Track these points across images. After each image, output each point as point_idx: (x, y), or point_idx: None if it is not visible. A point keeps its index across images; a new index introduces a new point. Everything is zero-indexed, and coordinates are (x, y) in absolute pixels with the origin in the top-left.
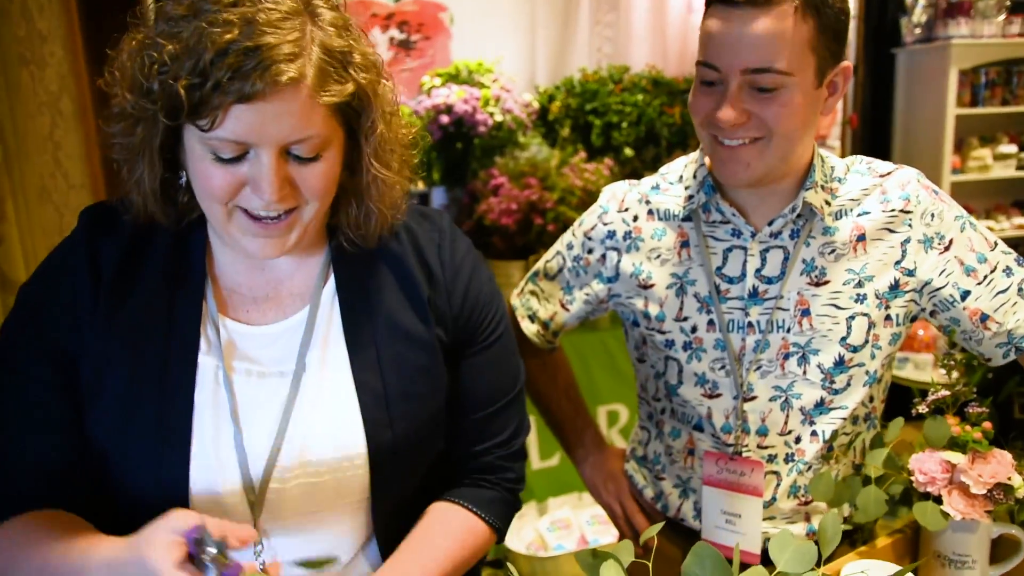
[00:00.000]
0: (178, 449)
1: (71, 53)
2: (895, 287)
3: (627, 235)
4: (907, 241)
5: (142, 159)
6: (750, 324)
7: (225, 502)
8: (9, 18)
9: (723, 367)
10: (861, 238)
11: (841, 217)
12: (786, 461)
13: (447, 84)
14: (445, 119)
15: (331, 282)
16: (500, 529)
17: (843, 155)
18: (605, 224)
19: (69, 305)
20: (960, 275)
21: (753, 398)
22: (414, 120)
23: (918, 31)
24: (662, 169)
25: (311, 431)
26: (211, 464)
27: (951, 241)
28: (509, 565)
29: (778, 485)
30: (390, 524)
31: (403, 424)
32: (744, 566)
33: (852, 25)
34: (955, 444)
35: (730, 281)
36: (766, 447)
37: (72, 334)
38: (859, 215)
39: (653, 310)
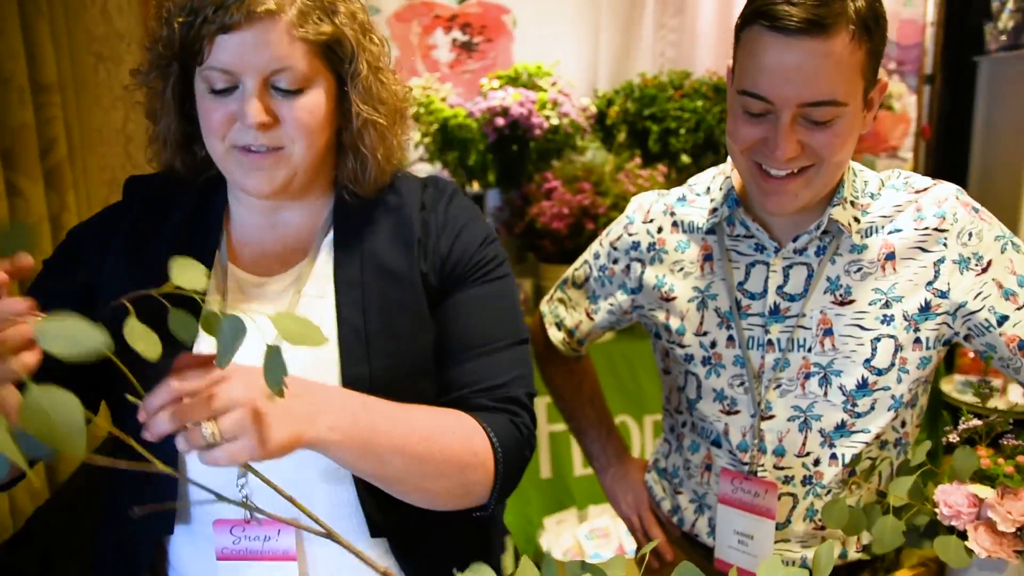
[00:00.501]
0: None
1: (147, 51)
2: (926, 309)
3: (651, 246)
4: (941, 261)
5: (162, 107)
6: (770, 342)
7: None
8: (86, 17)
9: (742, 384)
10: (890, 256)
11: (871, 235)
12: (803, 484)
13: (505, 87)
14: (500, 121)
15: (331, 233)
16: (499, 451)
17: (915, 168)
18: (630, 235)
19: (105, 240)
20: (998, 298)
21: (771, 417)
22: (469, 122)
23: (1004, 38)
24: (691, 180)
25: (292, 366)
26: None
27: (989, 262)
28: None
29: (794, 507)
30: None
31: (382, 360)
32: None
33: (930, 32)
34: (985, 477)
35: (751, 297)
36: (783, 468)
37: (97, 271)
38: (890, 232)
39: (674, 323)
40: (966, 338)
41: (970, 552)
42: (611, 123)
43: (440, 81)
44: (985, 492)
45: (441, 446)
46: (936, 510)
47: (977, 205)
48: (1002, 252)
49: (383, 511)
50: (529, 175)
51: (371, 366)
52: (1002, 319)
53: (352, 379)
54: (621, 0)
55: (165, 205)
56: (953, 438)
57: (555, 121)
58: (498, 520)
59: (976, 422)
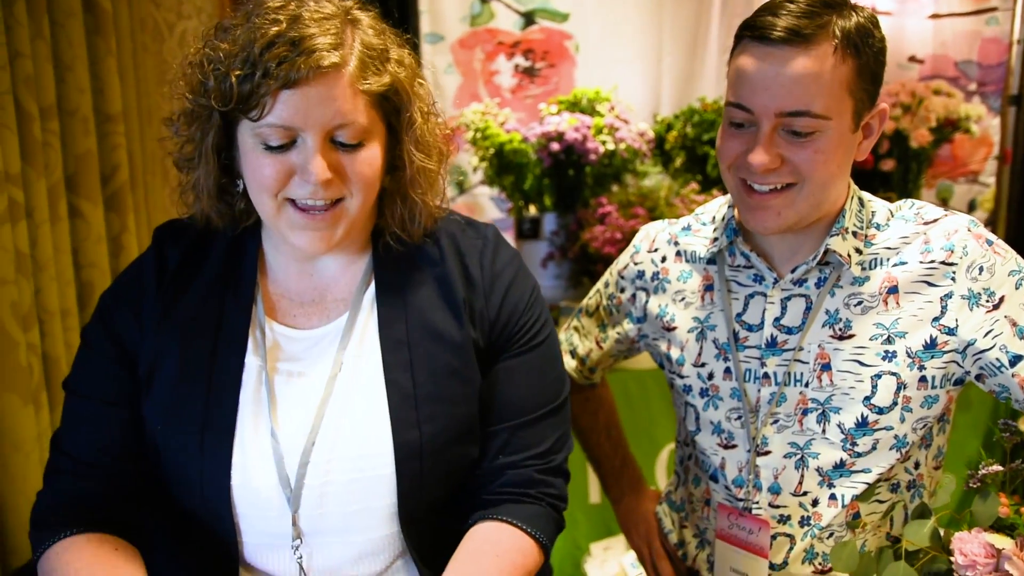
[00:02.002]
0: (221, 442)
1: None
2: (931, 346)
3: (655, 276)
4: (948, 296)
5: (199, 158)
6: (766, 375)
7: (262, 496)
8: (164, 48)
9: (739, 417)
10: (892, 291)
11: (874, 267)
12: (801, 524)
13: (562, 112)
14: (555, 146)
15: (372, 286)
16: (547, 546)
17: (998, 194)
18: (636, 264)
19: (136, 303)
20: (1010, 337)
21: (767, 452)
22: (524, 147)
23: None
24: (698, 209)
25: (341, 429)
26: (249, 459)
27: (1002, 299)
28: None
29: (791, 549)
30: (423, 537)
31: (431, 425)
32: None
33: (1016, 51)
34: (1005, 527)
35: (749, 329)
36: (779, 507)
37: (135, 330)
38: (894, 265)
39: (674, 353)
40: (978, 378)
41: None
42: (670, 148)
43: (502, 107)
44: (1003, 542)
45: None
46: (952, 559)
47: (992, 237)
48: (1017, 288)
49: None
50: (585, 200)
51: (421, 431)
52: (1015, 359)
53: (403, 445)
54: (685, 24)
55: (199, 258)
56: (973, 484)
57: (611, 146)
58: None
59: (997, 468)
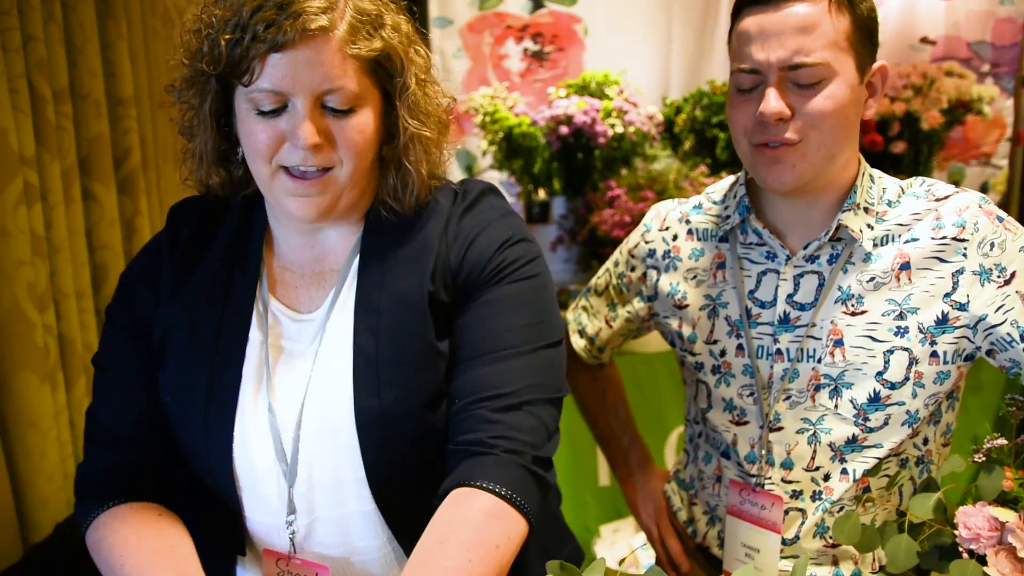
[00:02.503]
0: (224, 416)
1: None
2: (942, 321)
3: (666, 254)
4: (960, 272)
5: (199, 125)
6: (779, 351)
7: (260, 470)
8: (175, 34)
9: (751, 394)
10: (905, 267)
11: (886, 243)
12: (813, 499)
13: (571, 96)
14: (564, 130)
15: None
16: (524, 504)
17: (1011, 176)
18: (647, 242)
19: (153, 279)
20: (1021, 312)
21: (779, 428)
22: (533, 131)
23: None
24: (709, 188)
25: (321, 400)
26: (248, 433)
27: (1013, 274)
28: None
29: (802, 523)
30: (406, 518)
31: (391, 392)
32: None
33: None
34: (1008, 500)
35: (762, 305)
36: (791, 481)
37: (152, 306)
38: (906, 242)
39: (686, 331)
40: (988, 353)
41: None
42: (679, 131)
43: (511, 90)
44: (1007, 516)
45: (499, 557)
46: (956, 532)
47: (1002, 214)
48: None
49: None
50: (594, 183)
51: (380, 398)
52: None
53: (363, 412)
54: (694, 8)
55: (210, 232)
56: (978, 458)
57: (619, 129)
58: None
59: (1002, 441)
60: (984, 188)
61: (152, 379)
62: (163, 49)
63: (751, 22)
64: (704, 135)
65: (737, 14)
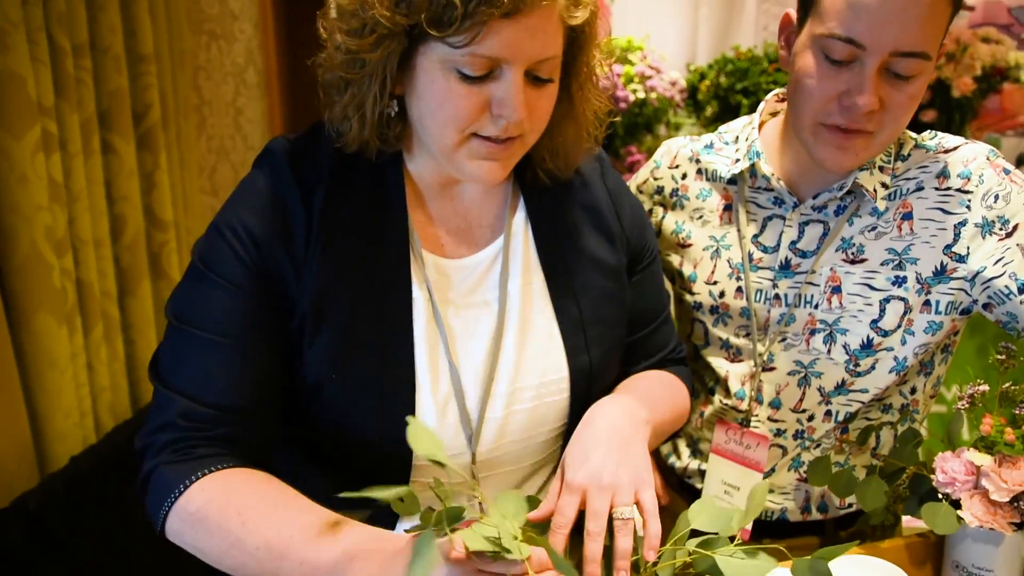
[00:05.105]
0: (401, 383)
1: (261, 31)
2: (940, 272)
3: (674, 192)
4: (962, 224)
5: (374, 80)
6: (777, 296)
7: (444, 436)
8: None
9: (747, 334)
10: (907, 216)
11: (895, 199)
12: (795, 437)
13: None
14: None
15: (520, 212)
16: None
17: None
18: (656, 179)
19: (286, 235)
20: (1020, 265)
21: (772, 368)
22: None
23: None
24: (722, 127)
25: (519, 359)
26: (430, 399)
27: (1015, 227)
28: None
29: (782, 458)
30: None
31: (597, 349)
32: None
33: None
34: (985, 445)
35: (764, 250)
36: (777, 420)
37: (288, 269)
38: (909, 192)
39: (687, 270)
40: (986, 307)
41: (961, 520)
42: (702, 97)
43: None
44: (983, 460)
45: (681, 408)
46: (933, 477)
47: (1010, 167)
48: None
49: None
50: (616, 150)
51: (590, 356)
52: (1023, 286)
53: (576, 370)
54: None
55: (340, 185)
56: (962, 405)
57: (641, 95)
58: None
59: (984, 387)
60: (1020, 160)
61: (274, 346)
62: (184, 9)
63: None
64: (728, 101)
65: None
